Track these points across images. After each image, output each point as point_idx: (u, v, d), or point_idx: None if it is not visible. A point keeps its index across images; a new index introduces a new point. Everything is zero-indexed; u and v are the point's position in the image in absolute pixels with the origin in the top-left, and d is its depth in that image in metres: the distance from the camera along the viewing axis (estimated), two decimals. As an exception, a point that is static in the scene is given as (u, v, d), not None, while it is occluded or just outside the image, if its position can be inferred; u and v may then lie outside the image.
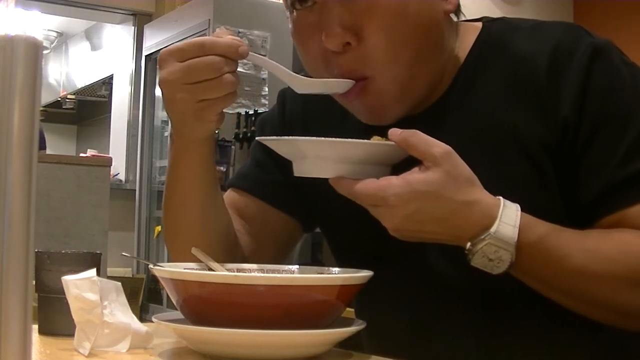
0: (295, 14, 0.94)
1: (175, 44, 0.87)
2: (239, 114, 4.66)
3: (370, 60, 0.90)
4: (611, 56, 0.93)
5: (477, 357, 0.97)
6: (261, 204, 1.09)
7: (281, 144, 0.91)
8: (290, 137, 0.90)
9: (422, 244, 0.88)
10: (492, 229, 0.82)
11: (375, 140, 0.86)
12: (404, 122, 0.95)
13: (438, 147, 0.82)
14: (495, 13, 4.92)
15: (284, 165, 1.01)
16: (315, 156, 0.87)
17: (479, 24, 1.03)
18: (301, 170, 0.89)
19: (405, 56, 0.91)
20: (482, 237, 0.82)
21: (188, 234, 1.00)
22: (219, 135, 4.68)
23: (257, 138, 0.92)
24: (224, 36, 0.87)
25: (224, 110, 0.92)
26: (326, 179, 0.87)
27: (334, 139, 0.86)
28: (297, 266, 0.95)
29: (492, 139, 0.93)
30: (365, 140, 0.85)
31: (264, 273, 0.92)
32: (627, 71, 0.94)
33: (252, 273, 0.91)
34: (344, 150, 0.86)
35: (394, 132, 0.84)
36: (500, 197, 0.84)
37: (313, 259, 3.20)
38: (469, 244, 0.83)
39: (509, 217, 0.83)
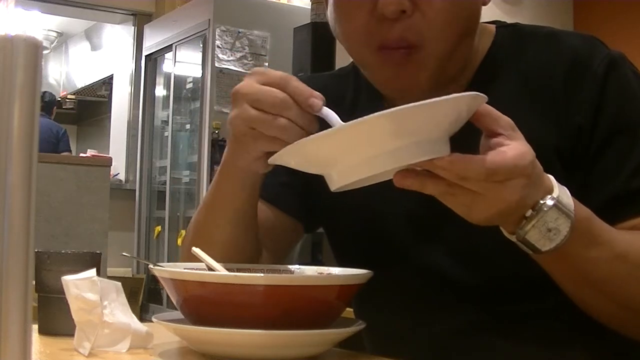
0: None
1: (268, 69, 0.85)
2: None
3: (422, 30, 0.91)
4: (625, 68, 0.96)
5: (477, 357, 0.97)
6: (266, 206, 1.09)
7: (326, 140, 0.72)
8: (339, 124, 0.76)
9: (424, 244, 0.87)
10: (555, 194, 0.79)
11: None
12: None
13: (504, 116, 0.79)
14: (495, 13, 4.91)
15: (287, 167, 1.01)
16: (404, 135, 0.70)
17: (493, 28, 1.03)
18: (362, 170, 0.72)
19: (453, 31, 0.92)
20: (546, 201, 0.78)
21: (209, 239, 0.99)
22: (219, 135, 4.69)
23: (283, 152, 0.79)
24: (306, 86, 0.83)
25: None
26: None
27: (414, 103, 0.68)
28: (297, 266, 0.95)
29: None
30: (426, 102, 0.69)
31: (264, 273, 0.92)
32: (638, 83, 0.96)
33: (252, 273, 0.91)
34: (406, 118, 0.69)
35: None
36: None
37: (313, 259, 3.19)
38: (530, 212, 0.79)
39: (562, 187, 0.81)
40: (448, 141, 0.74)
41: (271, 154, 0.80)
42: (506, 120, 0.78)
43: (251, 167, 0.89)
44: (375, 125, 0.69)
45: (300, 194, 1.07)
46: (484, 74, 0.99)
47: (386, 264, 0.97)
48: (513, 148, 0.76)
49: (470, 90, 0.94)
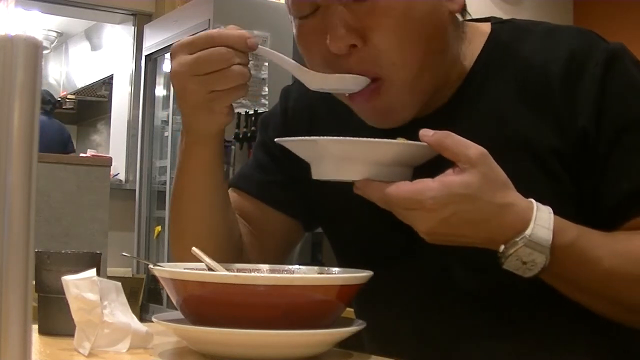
0: (298, 20, 0.94)
1: (186, 38, 0.87)
2: (239, 114, 4.66)
3: (378, 61, 0.90)
4: (625, 61, 0.93)
5: (478, 357, 0.96)
6: (261, 205, 1.09)
7: (303, 145, 0.87)
8: (314, 137, 0.86)
9: (425, 245, 0.87)
10: (527, 232, 0.80)
11: (401, 141, 0.83)
12: (411, 127, 0.95)
13: (474, 148, 0.80)
14: (495, 13, 4.91)
15: (286, 166, 1.01)
16: (340, 157, 0.83)
17: (487, 26, 1.02)
18: (322, 172, 0.86)
19: (412, 56, 0.90)
20: (517, 239, 0.81)
21: (194, 230, 1.00)
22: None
23: (277, 140, 0.88)
24: (233, 30, 0.87)
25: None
26: (341, 182, 0.84)
27: (363, 139, 0.82)
28: (297, 266, 0.95)
29: (502, 146, 0.92)
30: (398, 141, 0.82)
31: (264, 273, 0.92)
32: None
33: (252, 273, 0.91)
34: (375, 151, 0.82)
35: (426, 133, 0.81)
36: (533, 200, 0.83)
37: (313, 259, 3.20)
38: (502, 247, 0.82)
39: (543, 219, 0.82)
40: (408, 167, 0.84)
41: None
42: (466, 154, 0.80)
43: (219, 127, 0.94)
44: (354, 145, 0.82)
45: (296, 193, 1.07)
46: (476, 76, 0.98)
47: (387, 265, 0.97)
48: (426, 181, 0.80)
49: (465, 92, 0.96)
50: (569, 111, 0.91)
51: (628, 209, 0.90)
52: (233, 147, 4.68)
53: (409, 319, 1.02)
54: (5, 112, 0.55)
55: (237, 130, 4.63)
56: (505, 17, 1.08)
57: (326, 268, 0.90)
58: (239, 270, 0.91)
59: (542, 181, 0.91)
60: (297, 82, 1.03)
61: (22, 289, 0.56)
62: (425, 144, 0.81)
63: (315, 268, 0.92)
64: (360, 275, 0.82)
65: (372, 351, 1.05)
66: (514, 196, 0.82)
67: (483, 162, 0.80)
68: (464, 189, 0.79)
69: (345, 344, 0.84)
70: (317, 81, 0.93)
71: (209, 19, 4.70)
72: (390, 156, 0.82)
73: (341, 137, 0.83)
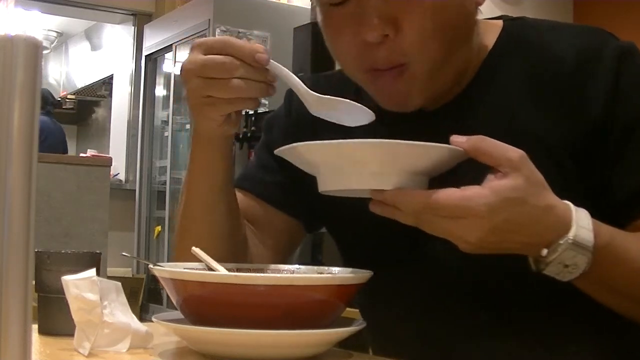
0: (328, 7, 0.94)
1: (209, 38, 0.87)
2: (239, 114, 4.66)
3: (408, 50, 0.90)
4: (637, 58, 0.94)
5: (478, 357, 0.96)
6: (264, 205, 1.09)
7: (314, 149, 0.79)
8: (330, 141, 0.77)
9: (429, 245, 0.87)
10: (571, 234, 0.78)
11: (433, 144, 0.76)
12: (422, 117, 0.95)
13: (513, 151, 0.77)
14: (495, 13, 4.91)
15: (289, 168, 1.01)
16: (364, 164, 0.76)
17: (500, 22, 1.02)
18: (338, 182, 0.78)
19: (441, 45, 0.91)
20: (560, 242, 0.79)
21: (195, 230, 1.01)
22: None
23: (282, 148, 0.83)
24: (246, 43, 0.87)
25: None
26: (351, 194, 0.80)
27: (396, 141, 0.74)
28: (297, 266, 0.95)
29: (513, 139, 0.93)
30: (435, 144, 0.75)
31: (264, 273, 0.92)
32: None
33: (252, 273, 0.91)
34: (410, 155, 0.75)
35: (459, 138, 0.78)
36: (568, 202, 0.81)
37: (313, 259, 3.20)
38: (545, 251, 0.79)
39: (583, 220, 0.80)
40: (423, 176, 0.78)
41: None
42: (508, 157, 0.77)
43: (217, 132, 0.93)
44: (385, 148, 0.75)
45: (297, 194, 1.07)
46: (487, 70, 0.98)
47: (391, 267, 0.97)
48: (476, 188, 0.76)
49: (477, 85, 0.95)
50: (582, 104, 0.91)
51: (636, 208, 0.90)
52: (233, 147, 4.66)
53: (411, 321, 1.02)
54: (5, 112, 0.55)
55: (237, 130, 4.63)
56: (505, 16, 1.08)
57: (326, 268, 0.91)
58: (239, 270, 0.91)
59: (552, 174, 0.90)
60: None
61: (22, 288, 0.56)
62: (458, 148, 0.77)
63: (315, 268, 0.92)
64: (360, 275, 0.82)
65: (376, 351, 1.05)
66: (553, 197, 0.80)
67: (524, 164, 0.77)
68: (514, 192, 0.76)
69: (345, 344, 0.84)
70: (320, 105, 0.89)
71: (209, 19, 4.70)
72: (427, 161, 0.76)
73: (369, 140, 0.76)
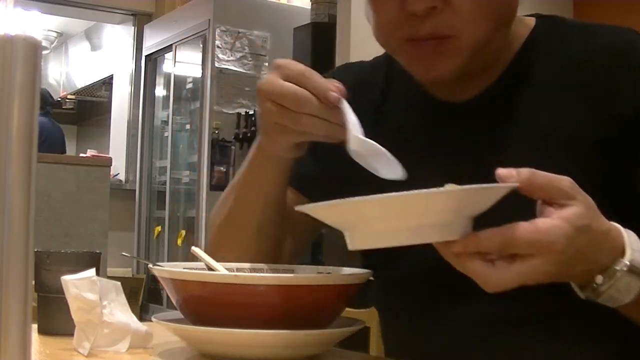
0: None
1: (293, 62, 0.86)
2: (238, 114, 4.67)
3: (457, 24, 0.90)
4: None
5: (478, 357, 0.96)
6: (296, 195, 1.08)
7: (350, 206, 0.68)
8: (372, 196, 0.67)
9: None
10: (627, 258, 0.74)
11: (451, 187, 0.68)
12: (448, 111, 0.96)
13: (563, 180, 0.73)
14: (495, 13, 4.91)
15: (324, 161, 1.02)
16: (420, 216, 0.68)
17: (532, 19, 1.03)
18: (383, 239, 0.70)
19: (486, 22, 0.91)
20: (616, 267, 0.74)
21: (237, 236, 1.01)
22: (219, 136, 4.69)
23: (313, 205, 0.74)
24: (321, 79, 0.85)
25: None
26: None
27: (463, 187, 0.67)
28: (297, 266, 0.95)
29: (543, 137, 0.91)
30: (492, 185, 0.69)
31: (264, 273, 0.92)
32: None
33: (252, 273, 0.91)
34: (472, 201, 0.69)
35: (505, 172, 0.71)
36: (614, 223, 0.77)
37: (313, 259, 3.19)
38: (600, 278, 0.75)
39: (635, 243, 0.76)
40: (469, 220, 0.70)
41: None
42: (560, 188, 0.72)
43: (281, 155, 0.94)
44: (383, 204, 0.67)
45: (325, 184, 1.07)
46: (520, 65, 0.98)
47: (410, 258, 0.97)
48: (547, 220, 0.70)
49: (507, 79, 0.96)
50: (611, 100, 0.92)
51: None
52: (233, 147, 4.68)
53: (416, 321, 1.02)
54: (5, 112, 0.55)
55: (236, 131, 4.63)
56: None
57: (326, 268, 0.91)
58: (239, 270, 0.91)
59: (580, 173, 0.86)
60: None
61: (22, 288, 0.56)
62: (513, 184, 0.71)
63: (315, 268, 0.92)
64: (360, 275, 0.82)
65: (389, 344, 1.06)
66: (606, 220, 0.76)
67: (577, 190, 0.73)
68: (581, 220, 0.71)
69: (345, 344, 0.84)
70: (363, 146, 0.82)
71: (209, 19, 4.70)
72: (486, 204, 0.70)
73: (420, 191, 0.66)
